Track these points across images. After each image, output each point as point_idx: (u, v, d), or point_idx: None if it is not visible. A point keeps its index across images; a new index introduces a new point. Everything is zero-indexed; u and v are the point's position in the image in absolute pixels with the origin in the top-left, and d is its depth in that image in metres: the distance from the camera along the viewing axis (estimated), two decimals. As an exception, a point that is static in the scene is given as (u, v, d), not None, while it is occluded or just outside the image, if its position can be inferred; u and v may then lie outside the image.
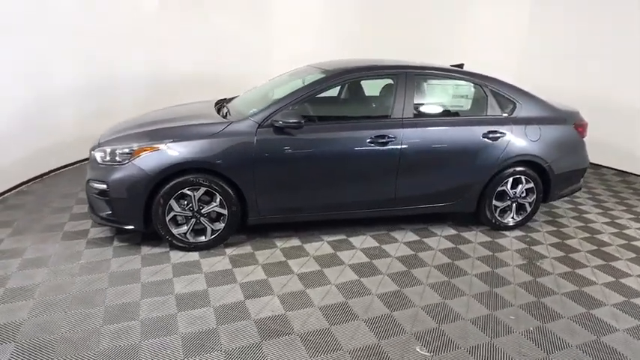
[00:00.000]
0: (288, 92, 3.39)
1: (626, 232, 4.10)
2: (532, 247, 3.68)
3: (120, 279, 2.89)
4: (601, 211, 4.63)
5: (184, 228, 3.23)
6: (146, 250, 3.28)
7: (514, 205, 3.91)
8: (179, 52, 6.22)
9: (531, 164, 3.84)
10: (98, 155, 3.20)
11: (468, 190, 3.75)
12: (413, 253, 3.47)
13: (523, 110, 3.84)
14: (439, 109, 3.78)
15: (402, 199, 3.65)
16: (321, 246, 3.49)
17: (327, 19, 7.12)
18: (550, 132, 3.87)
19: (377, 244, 3.56)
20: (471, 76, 3.79)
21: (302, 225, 3.78)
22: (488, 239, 3.79)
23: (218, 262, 3.17)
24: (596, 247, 3.73)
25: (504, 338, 2.48)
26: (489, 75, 3.91)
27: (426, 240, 3.70)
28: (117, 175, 3.09)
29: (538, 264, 3.39)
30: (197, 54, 6.35)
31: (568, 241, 3.83)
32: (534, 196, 3.92)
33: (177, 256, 3.21)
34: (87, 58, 5.19)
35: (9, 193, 4.34)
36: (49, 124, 4.84)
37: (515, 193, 3.86)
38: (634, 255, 3.62)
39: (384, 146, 3.41)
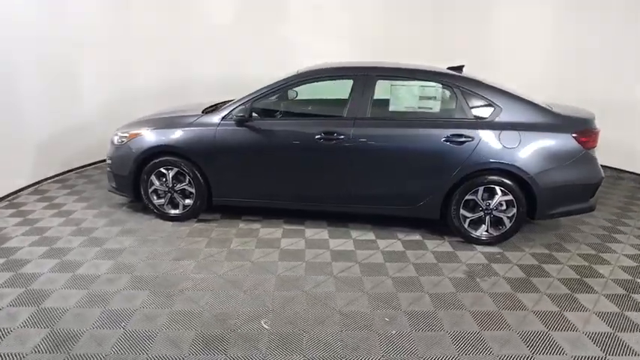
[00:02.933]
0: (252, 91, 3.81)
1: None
2: (492, 264, 3.33)
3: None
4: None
5: (162, 200, 3.93)
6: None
7: (488, 217, 3.57)
8: (249, 56, 6.93)
9: (509, 174, 3.46)
10: (114, 138, 4.12)
11: (428, 196, 3.59)
12: (344, 248, 3.52)
13: (503, 114, 3.49)
14: (398, 110, 3.70)
15: (357, 197, 3.70)
16: (273, 232, 3.80)
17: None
18: (535, 139, 3.43)
19: (326, 237, 3.70)
20: (442, 77, 3.62)
21: (285, 213, 4.10)
22: (449, 250, 3.56)
23: (183, 229, 3.78)
24: (578, 277, 3.17)
25: (358, 332, 2.48)
26: (468, 76, 3.67)
27: (380, 240, 3.68)
28: (117, 153, 3.96)
29: (477, 280, 3.10)
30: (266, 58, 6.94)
31: (547, 266, 3.33)
32: (514, 210, 3.51)
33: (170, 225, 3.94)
34: (163, 62, 6.38)
35: (90, 167, 5.75)
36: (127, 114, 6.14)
37: (489, 204, 3.53)
38: (620, 292, 2.98)
39: (331, 143, 3.55)
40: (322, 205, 3.82)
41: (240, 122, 3.68)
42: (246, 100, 3.73)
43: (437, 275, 3.16)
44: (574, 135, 3.42)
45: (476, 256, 3.48)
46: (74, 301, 2.72)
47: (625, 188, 5.43)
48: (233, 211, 4.15)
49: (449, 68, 4.01)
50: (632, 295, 2.95)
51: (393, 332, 2.50)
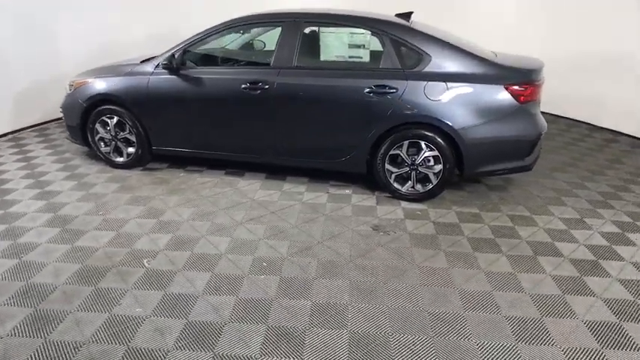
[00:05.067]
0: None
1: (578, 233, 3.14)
2: (406, 220, 3.26)
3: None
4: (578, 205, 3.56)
5: (108, 148, 4.11)
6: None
7: (414, 173, 3.45)
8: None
9: (434, 129, 3.29)
10: (66, 87, 4.28)
11: (353, 150, 3.50)
12: (268, 199, 3.55)
13: (432, 64, 3.28)
14: (329, 60, 3.56)
15: (284, 149, 3.68)
16: (207, 181, 3.89)
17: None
18: (463, 91, 3.22)
19: (257, 188, 3.74)
20: (370, 23, 3.42)
21: (231, 164, 4.18)
22: (371, 204, 3.50)
23: (127, 176, 3.96)
24: (491, 237, 3.04)
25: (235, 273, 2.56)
26: (399, 22, 3.44)
27: (308, 193, 3.67)
28: (66, 102, 4.14)
29: (381, 234, 3.05)
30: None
31: (466, 225, 3.21)
32: (441, 167, 3.36)
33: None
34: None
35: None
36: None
37: (415, 160, 3.40)
38: (528, 253, 2.83)
39: (256, 93, 3.52)
40: (253, 158, 3.84)
41: (171, 71, 3.71)
42: (177, 48, 3.73)
43: (341, 226, 3.14)
44: (506, 87, 3.18)
45: (395, 211, 3.41)
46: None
47: (612, 152, 5.01)
48: (183, 162, 4.27)
49: (397, 15, 3.78)
50: (538, 258, 2.81)
51: (262, 276, 2.56)
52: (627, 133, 5.62)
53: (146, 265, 2.64)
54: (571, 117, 6.37)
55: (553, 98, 5.85)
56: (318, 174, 4.00)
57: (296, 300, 2.35)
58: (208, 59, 3.99)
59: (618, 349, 2.07)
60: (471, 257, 2.80)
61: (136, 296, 2.35)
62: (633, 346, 2.09)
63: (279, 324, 2.17)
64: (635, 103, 5.41)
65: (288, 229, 3.10)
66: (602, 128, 5.91)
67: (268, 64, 3.59)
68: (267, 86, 3.50)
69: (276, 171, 4.08)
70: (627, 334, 2.16)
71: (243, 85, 3.55)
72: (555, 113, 6.49)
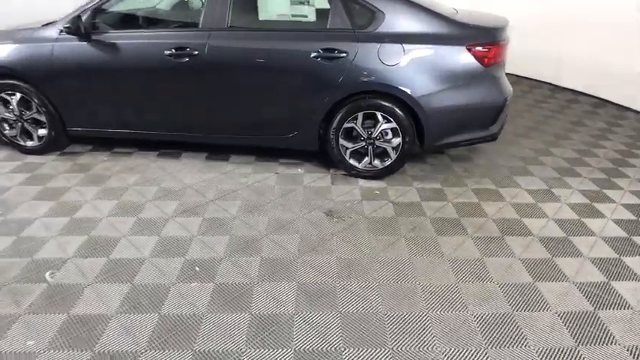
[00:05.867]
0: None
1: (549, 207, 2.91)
2: (363, 202, 2.91)
3: None
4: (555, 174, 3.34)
5: (14, 131, 3.46)
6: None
7: (370, 148, 3.08)
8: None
9: (391, 97, 2.91)
10: None
11: (302, 124, 3.08)
12: (206, 185, 3.08)
13: (386, 23, 2.85)
14: (265, 18, 3.06)
15: (219, 126, 3.20)
16: (137, 165, 3.36)
17: None
18: (421, 54, 2.83)
19: (194, 171, 3.26)
20: (315, -24, 2.93)
21: (164, 144, 3.64)
22: (325, 185, 3.12)
23: (40, 163, 3.35)
24: (455, 217, 2.76)
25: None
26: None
27: (255, 174, 3.24)
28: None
29: (335, 220, 2.70)
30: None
31: (428, 203, 2.90)
32: (399, 140, 3.01)
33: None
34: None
35: None
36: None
37: (371, 133, 3.02)
38: (495, 234, 2.57)
39: (183, 59, 2.98)
40: (184, 137, 3.33)
41: (80, 36, 3.09)
42: (84, 8, 3.09)
43: (291, 214, 2.76)
44: (469, 48, 2.81)
45: (352, 191, 3.05)
46: None
47: (574, 113, 4.83)
48: (110, 143, 3.69)
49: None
50: (506, 239, 2.55)
51: (192, 284, 2.16)
52: (588, 93, 5.47)
53: (49, 279, 2.16)
54: (534, 77, 6.15)
55: (515, 58, 5.56)
56: (266, 151, 3.55)
57: (232, 314, 1.97)
58: (127, 21, 3.37)
59: (595, 345, 1.85)
60: (434, 243, 2.50)
61: (30, 324, 1.89)
62: (610, 340, 1.87)
63: (209, 348, 1.79)
64: (594, 62, 5.22)
65: (228, 221, 2.68)
66: (564, 88, 5.73)
67: (196, 26, 3.03)
68: (195, 52, 2.96)
69: (218, 150, 3.60)
70: (604, 326, 1.95)
71: (167, 52, 2.99)
72: (518, 74, 6.25)
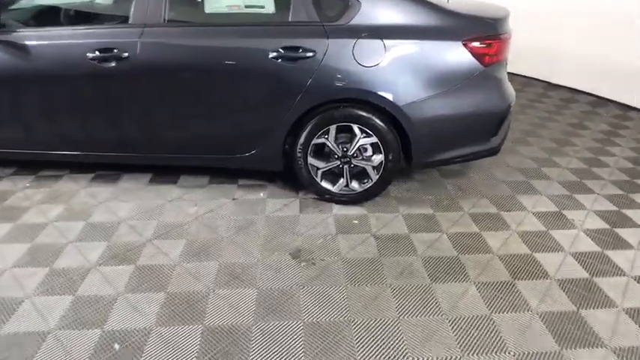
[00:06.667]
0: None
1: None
2: (339, 236, 2.35)
3: None
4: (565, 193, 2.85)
5: None
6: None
7: (346, 167, 2.53)
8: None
9: (371, 106, 2.36)
10: None
11: (261, 140, 2.50)
12: (144, 219, 2.47)
13: (363, 13, 2.29)
14: (213, 11, 2.47)
15: (159, 143, 2.60)
16: (63, 193, 2.73)
17: None
18: (407, 51, 2.28)
19: (150, 203, 2.66)
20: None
21: (103, 164, 3.03)
22: (293, 214, 2.55)
23: None
24: (455, 255, 2.23)
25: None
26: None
27: (207, 201, 2.64)
28: None
29: (303, 264, 2.13)
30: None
31: (417, 235, 2.36)
32: (381, 157, 2.46)
33: None
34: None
35: None
36: None
37: (346, 150, 2.47)
38: (505, 279, 2.05)
39: (110, 64, 2.36)
40: (121, 157, 2.72)
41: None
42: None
43: (247, 257, 2.18)
44: (465, 43, 2.27)
45: (325, 222, 2.49)
46: None
47: (573, 114, 4.38)
48: (37, 165, 3.04)
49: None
50: (517, 284, 2.04)
51: (116, 347, 1.58)
52: (585, 90, 5.02)
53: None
54: (526, 75, 5.69)
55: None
56: (222, 171, 2.96)
57: None
58: (43, 17, 2.73)
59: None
60: (429, 294, 1.97)
61: None
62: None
63: None
64: (592, 59, 4.77)
65: (166, 270, 2.09)
66: (558, 86, 5.28)
67: (126, 21, 2.42)
68: (125, 54, 2.34)
69: (165, 170, 2.99)
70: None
71: (90, 55, 2.37)
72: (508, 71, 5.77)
